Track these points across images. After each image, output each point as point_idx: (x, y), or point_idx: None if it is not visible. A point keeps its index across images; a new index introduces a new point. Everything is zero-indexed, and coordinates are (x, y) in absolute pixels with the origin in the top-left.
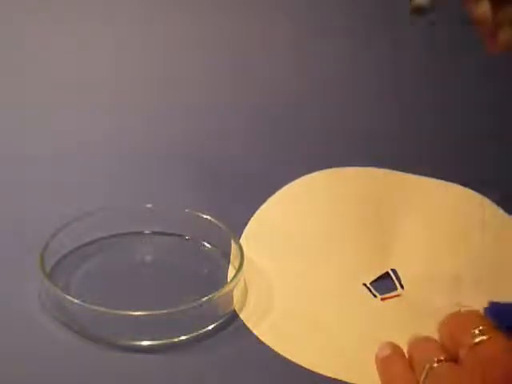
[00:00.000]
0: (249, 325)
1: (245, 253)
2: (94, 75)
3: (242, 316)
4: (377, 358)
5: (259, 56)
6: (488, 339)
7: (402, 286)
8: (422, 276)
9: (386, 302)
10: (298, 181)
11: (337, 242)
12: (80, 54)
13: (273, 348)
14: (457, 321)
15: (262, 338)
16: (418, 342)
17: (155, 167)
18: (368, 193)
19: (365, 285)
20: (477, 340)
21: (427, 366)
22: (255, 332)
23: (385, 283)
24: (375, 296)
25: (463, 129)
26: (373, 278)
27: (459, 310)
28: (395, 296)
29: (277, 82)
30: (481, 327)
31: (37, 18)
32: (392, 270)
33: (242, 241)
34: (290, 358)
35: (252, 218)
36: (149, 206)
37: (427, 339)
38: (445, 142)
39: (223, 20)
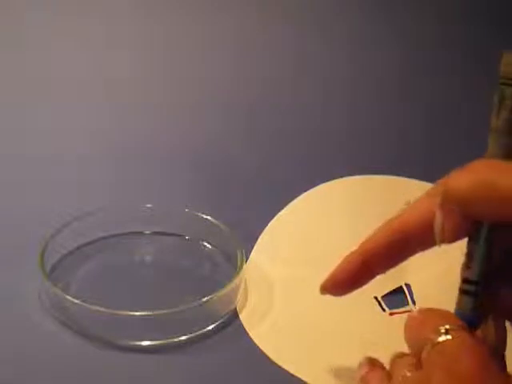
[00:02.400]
0: (247, 327)
1: (252, 256)
2: (94, 75)
3: (241, 317)
4: (356, 378)
5: (259, 56)
6: (452, 339)
7: (414, 302)
8: (435, 292)
9: (394, 316)
10: (315, 189)
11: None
12: (80, 54)
13: (267, 354)
14: (424, 317)
15: (258, 343)
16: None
17: (155, 167)
18: (384, 203)
19: (375, 298)
20: (440, 339)
21: (400, 377)
22: (252, 335)
23: (397, 298)
24: (384, 310)
25: (466, 128)
26: (385, 291)
27: (428, 309)
28: (405, 312)
29: (277, 82)
30: (447, 326)
31: (37, 18)
32: (406, 284)
33: (256, 246)
34: (282, 365)
35: (268, 225)
36: (149, 205)
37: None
38: (446, 141)
39: (224, 19)
